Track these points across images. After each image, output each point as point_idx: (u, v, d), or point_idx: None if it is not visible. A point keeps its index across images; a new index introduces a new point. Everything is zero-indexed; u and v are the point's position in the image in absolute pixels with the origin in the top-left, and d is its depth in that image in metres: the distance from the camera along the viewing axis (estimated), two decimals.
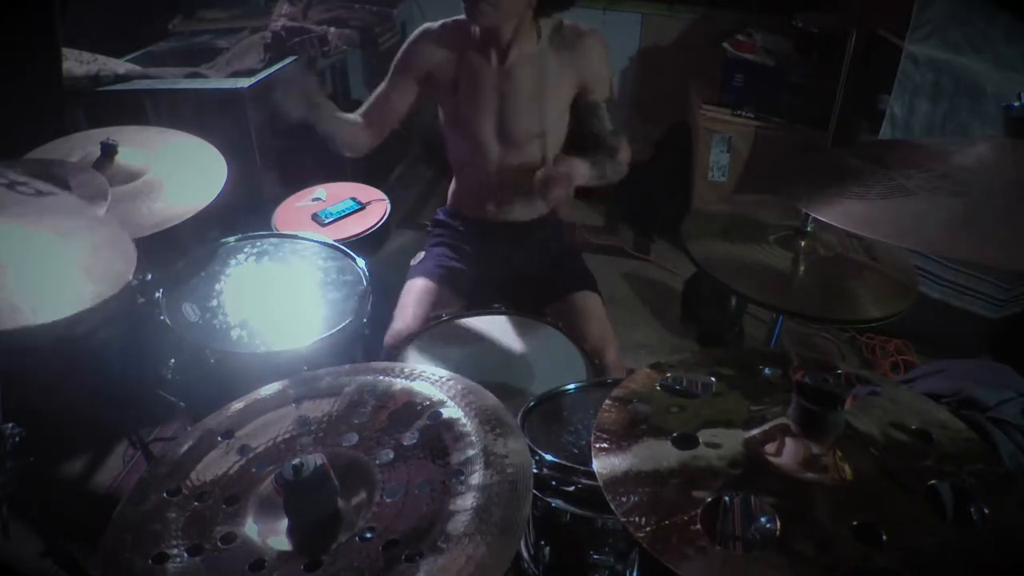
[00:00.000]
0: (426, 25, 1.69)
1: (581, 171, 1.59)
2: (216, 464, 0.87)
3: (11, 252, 0.96)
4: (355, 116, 1.72)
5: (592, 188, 1.71)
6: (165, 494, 0.83)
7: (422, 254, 1.86)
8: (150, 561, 0.74)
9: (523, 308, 1.59)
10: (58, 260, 0.98)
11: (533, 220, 1.82)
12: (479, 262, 1.81)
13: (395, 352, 1.50)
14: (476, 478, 0.78)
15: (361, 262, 1.58)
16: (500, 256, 1.80)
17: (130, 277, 0.99)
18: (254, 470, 0.85)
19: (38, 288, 0.93)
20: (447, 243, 1.85)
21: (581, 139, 1.76)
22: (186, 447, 0.90)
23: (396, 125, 1.76)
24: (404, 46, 1.69)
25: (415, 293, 1.71)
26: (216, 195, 1.44)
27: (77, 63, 2.31)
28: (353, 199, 2.08)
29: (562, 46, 1.63)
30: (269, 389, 0.99)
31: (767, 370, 0.96)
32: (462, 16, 1.64)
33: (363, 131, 1.71)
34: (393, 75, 1.70)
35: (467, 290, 1.77)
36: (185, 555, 0.75)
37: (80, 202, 1.10)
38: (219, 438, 0.91)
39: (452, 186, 1.91)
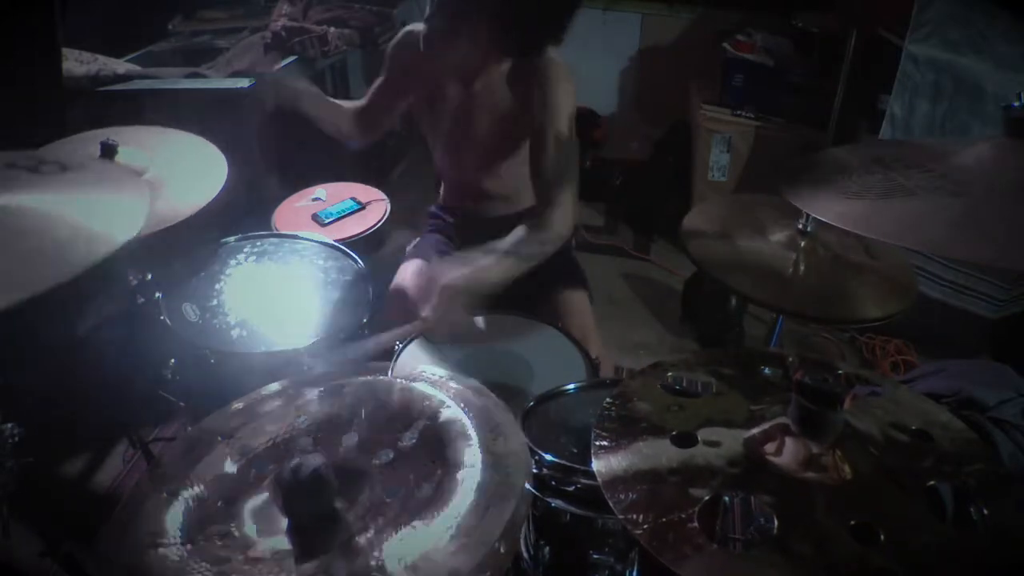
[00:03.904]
0: (411, 26, 1.66)
1: (476, 274, 1.27)
2: (216, 464, 0.87)
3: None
4: (351, 105, 1.76)
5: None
6: (165, 494, 0.83)
7: (417, 239, 1.90)
8: (147, 558, 0.74)
9: (512, 305, 1.58)
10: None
11: (516, 214, 1.78)
12: None
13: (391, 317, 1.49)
14: (476, 478, 0.78)
15: (361, 262, 1.58)
16: None
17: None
18: (254, 470, 0.85)
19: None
20: (440, 231, 1.89)
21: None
22: (186, 447, 0.90)
23: (388, 123, 1.79)
24: (390, 47, 1.70)
25: (410, 270, 1.72)
26: (216, 195, 1.43)
27: (77, 63, 2.31)
28: (353, 199, 2.08)
29: (524, 69, 1.49)
30: (269, 389, 0.99)
31: (767, 370, 0.96)
32: None
33: (354, 121, 1.75)
34: (383, 74, 1.73)
35: None
36: (183, 553, 0.75)
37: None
38: (219, 438, 0.91)
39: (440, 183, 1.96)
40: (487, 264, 1.30)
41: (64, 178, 0.98)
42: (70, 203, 0.92)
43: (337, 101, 1.80)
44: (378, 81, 1.74)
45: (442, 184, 1.95)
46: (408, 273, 1.72)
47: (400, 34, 1.69)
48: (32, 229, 0.85)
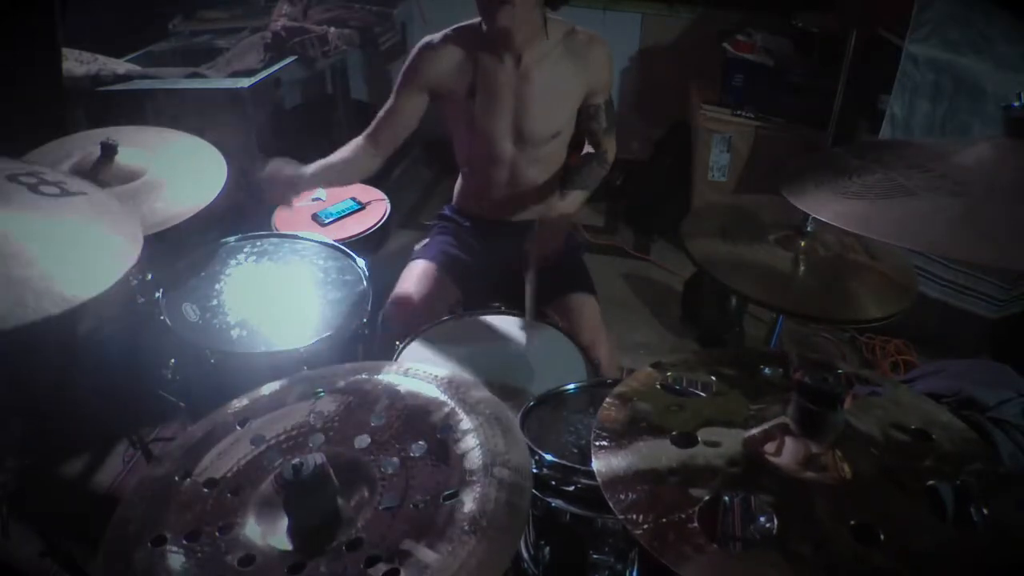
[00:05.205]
0: (427, 39, 1.67)
1: (577, 203, 1.74)
2: (229, 453, 0.87)
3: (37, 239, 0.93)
4: (355, 144, 1.71)
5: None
6: (176, 477, 0.83)
7: (426, 240, 1.88)
8: (149, 544, 0.75)
9: (521, 306, 1.59)
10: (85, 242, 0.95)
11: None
12: (482, 257, 1.83)
13: (393, 322, 1.54)
14: (476, 478, 0.78)
15: (361, 262, 1.58)
16: (503, 253, 1.80)
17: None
18: (265, 463, 0.85)
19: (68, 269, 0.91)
20: (452, 234, 1.87)
21: (575, 135, 1.79)
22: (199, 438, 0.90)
23: (404, 138, 1.76)
24: (408, 63, 1.68)
25: (416, 271, 1.73)
26: (216, 195, 1.43)
27: (77, 63, 2.31)
28: (353, 199, 2.08)
29: (575, 51, 1.65)
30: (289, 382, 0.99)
31: (767, 370, 0.96)
32: (463, 23, 1.64)
33: (369, 155, 1.71)
34: (400, 92, 1.69)
35: (466, 281, 1.79)
36: (182, 546, 0.74)
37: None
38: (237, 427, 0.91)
39: (458, 186, 1.92)
40: (578, 198, 1.75)
41: (58, 204, 0.96)
42: (50, 239, 0.89)
43: (334, 160, 1.69)
44: (392, 102, 1.70)
45: (460, 186, 1.91)
46: (413, 276, 1.71)
47: (420, 46, 1.67)
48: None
